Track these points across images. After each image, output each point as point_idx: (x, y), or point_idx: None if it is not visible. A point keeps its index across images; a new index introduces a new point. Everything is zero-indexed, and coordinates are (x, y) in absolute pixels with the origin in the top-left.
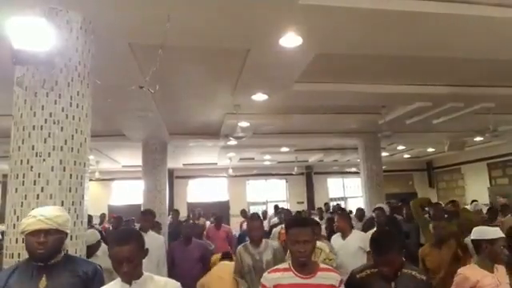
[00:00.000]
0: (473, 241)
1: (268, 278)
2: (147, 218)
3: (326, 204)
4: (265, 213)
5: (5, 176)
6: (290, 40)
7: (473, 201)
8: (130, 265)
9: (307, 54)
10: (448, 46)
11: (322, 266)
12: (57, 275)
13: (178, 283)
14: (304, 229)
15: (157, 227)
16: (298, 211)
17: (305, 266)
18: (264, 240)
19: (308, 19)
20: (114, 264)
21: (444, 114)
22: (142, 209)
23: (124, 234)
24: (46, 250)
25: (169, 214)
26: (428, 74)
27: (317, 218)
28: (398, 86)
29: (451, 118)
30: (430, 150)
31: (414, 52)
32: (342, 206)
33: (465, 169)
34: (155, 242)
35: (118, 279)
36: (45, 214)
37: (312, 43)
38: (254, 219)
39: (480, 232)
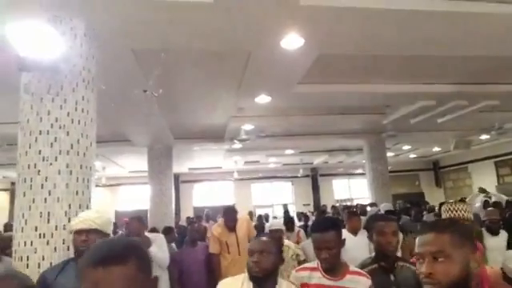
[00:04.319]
0: None
1: (296, 276)
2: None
3: (334, 207)
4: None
5: (13, 184)
6: (292, 41)
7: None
8: None
9: (309, 54)
10: (451, 43)
11: (352, 268)
12: None
13: None
14: (326, 234)
15: (171, 233)
16: (301, 212)
17: (332, 268)
18: None
19: (310, 20)
20: None
21: (448, 112)
22: (148, 214)
23: (112, 248)
24: (88, 247)
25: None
26: (431, 72)
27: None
28: (402, 85)
29: (456, 116)
30: (436, 149)
31: (417, 51)
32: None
33: (472, 167)
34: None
35: None
36: (89, 216)
37: (314, 44)
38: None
39: None
